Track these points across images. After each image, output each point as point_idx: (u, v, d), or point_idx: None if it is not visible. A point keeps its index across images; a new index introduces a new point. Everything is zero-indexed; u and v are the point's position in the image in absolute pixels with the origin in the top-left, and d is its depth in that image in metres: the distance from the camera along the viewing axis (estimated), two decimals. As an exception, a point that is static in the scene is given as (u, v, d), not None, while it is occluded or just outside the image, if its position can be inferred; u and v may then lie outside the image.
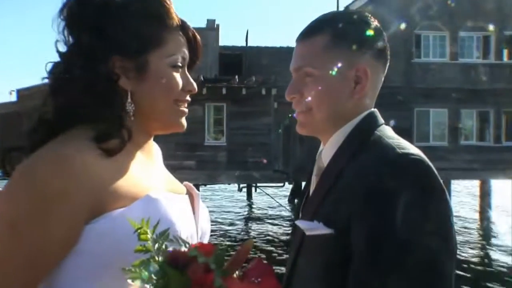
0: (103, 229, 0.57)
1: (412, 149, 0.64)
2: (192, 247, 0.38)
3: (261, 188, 11.68)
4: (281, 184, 11.08)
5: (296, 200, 13.81)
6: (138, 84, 0.65)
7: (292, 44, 0.77)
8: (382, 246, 0.57)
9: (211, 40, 12.38)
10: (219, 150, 10.50)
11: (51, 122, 0.63)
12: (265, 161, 10.10)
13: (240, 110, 10.38)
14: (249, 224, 10.73)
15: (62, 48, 0.65)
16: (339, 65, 0.69)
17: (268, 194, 11.84)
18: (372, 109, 0.74)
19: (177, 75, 0.68)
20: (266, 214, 12.21)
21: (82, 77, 0.62)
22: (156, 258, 0.41)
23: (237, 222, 10.80)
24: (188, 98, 0.70)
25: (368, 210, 0.59)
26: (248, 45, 15.21)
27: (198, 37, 0.72)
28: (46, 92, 0.64)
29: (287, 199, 13.78)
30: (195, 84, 0.71)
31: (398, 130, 0.73)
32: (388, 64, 0.75)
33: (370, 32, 0.71)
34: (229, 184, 12.05)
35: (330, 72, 0.69)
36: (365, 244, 0.58)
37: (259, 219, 11.62)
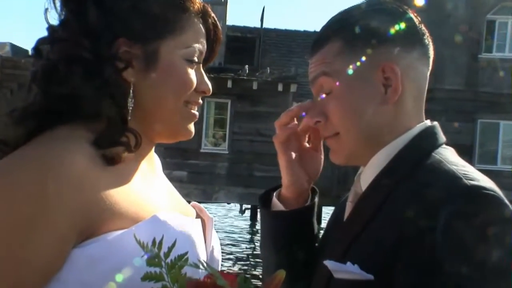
0: (94, 255, 0.57)
1: (484, 180, 0.64)
2: (219, 275, 0.42)
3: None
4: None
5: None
6: (143, 76, 0.67)
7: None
8: None
9: (217, 17, 12.40)
10: (218, 159, 10.57)
11: (39, 114, 0.64)
12: None
13: (248, 109, 10.46)
14: (253, 257, 10.71)
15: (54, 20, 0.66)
16: (358, 69, 0.71)
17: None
18: (431, 123, 0.75)
19: (192, 71, 0.70)
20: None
21: (86, 61, 0.64)
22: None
23: (238, 255, 10.80)
24: (200, 100, 0.73)
25: (426, 258, 0.59)
26: (264, 26, 15.34)
27: (219, 27, 0.75)
28: (31, 76, 0.65)
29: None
30: (209, 84, 0.73)
31: (454, 147, 0.73)
32: (431, 52, 0.75)
33: (388, 21, 0.72)
34: (228, 203, 12.08)
35: (349, 79, 0.71)
36: None
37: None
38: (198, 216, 0.78)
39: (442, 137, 0.74)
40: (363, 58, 0.72)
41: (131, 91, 0.66)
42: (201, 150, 10.40)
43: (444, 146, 0.73)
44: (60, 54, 0.65)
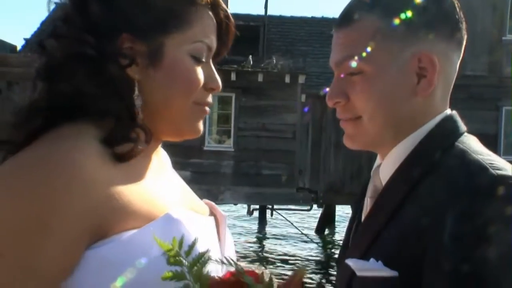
0: (108, 256, 0.59)
1: (511, 169, 0.65)
2: (245, 273, 0.44)
3: (279, 212, 11.69)
4: (307, 208, 11.01)
5: (327, 231, 13.50)
6: (148, 74, 0.69)
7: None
8: None
9: (218, 5, 12.39)
10: (223, 157, 10.58)
11: (45, 111, 0.66)
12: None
13: (254, 103, 10.45)
14: (261, 261, 10.73)
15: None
16: (392, 54, 0.70)
17: (288, 221, 11.83)
18: (450, 112, 0.76)
19: (199, 68, 0.71)
20: (284, 249, 12.20)
21: (90, 58, 0.66)
22: (192, 287, 0.47)
23: (244, 259, 10.82)
24: (210, 99, 0.74)
25: (453, 252, 0.61)
26: (268, 13, 15.30)
27: (231, 19, 0.76)
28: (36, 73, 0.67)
29: (314, 229, 13.76)
30: (219, 81, 0.74)
31: (478, 137, 0.75)
32: (464, 43, 0.75)
33: (429, 3, 0.71)
34: (235, 204, 12.10)
35: (382, 64, 0.70)
36: None
37: (274, 256, 11.62)
38: (211, 213, 0.80)
39: (462, 126, 0.75)
40: (399, 43, 0.71)
41: (136, 89, 0.68)
42: (205, 148, 10.38)
43: (466, 134, 0.74)
44: (63, 51, 0.67)
